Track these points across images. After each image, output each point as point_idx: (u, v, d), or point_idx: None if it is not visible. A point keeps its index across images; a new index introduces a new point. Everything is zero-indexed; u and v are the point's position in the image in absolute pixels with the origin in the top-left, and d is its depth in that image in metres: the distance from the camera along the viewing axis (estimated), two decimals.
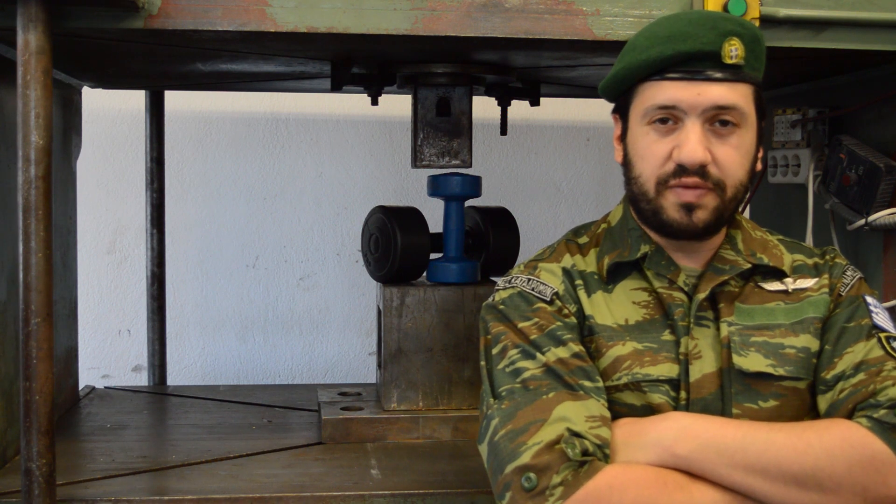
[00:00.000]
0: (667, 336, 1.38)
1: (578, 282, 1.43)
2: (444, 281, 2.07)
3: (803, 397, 1.37)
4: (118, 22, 1.51)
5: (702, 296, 1.39)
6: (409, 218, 2.10)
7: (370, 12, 1.56)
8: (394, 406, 2.04)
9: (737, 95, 1.33)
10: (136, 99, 2.81)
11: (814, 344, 1.38)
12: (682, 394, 1.36)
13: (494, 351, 1.38)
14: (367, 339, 3.09)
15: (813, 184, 2.03)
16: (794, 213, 2.20)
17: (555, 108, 3.09)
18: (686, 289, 1.40)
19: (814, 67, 1.99)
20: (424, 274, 2.11)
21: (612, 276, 1.43)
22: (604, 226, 1.51)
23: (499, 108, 2.32)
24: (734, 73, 1.33)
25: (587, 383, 1.33)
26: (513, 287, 1.42)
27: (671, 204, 1.35)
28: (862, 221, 1.90)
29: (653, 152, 1.36)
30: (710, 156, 1.33)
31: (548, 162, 3.16)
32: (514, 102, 2.32)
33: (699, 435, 1.28)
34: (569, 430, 1.27)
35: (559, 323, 1.37)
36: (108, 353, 3.02)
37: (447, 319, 2.04)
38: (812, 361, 1.38)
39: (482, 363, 1.41)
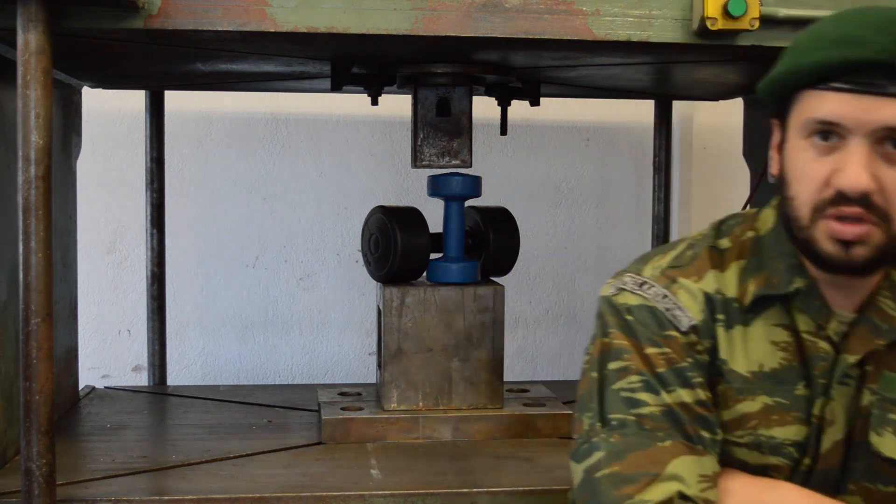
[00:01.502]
0: (801, 390, 1.23)
1: (720, 315, 1.24)
2: (444, 281, 2.07)
3: None
4: (118, 22, 1.51)
5: (852, 359, 1.22)
6: (409, 218, 2.10)
7: (370, 12, 1.56)
8: (394, 406, 2.04)
9: None
10: (136, 99, 2.80)
11: None
12: (807, 460, 1.24)
13: (612, 366, 1.24)
14: (367, 339, 3.09)
15: None
16: None
17: (555, 108, 3.09)
18: (835, 339, 1.23)
19: None
20: (424, 274, 2.11)
21: (754, 307, 1.24)
22: (751, 234, 1.30)
23: (499, 108, 2.32)
24: None
25: (707, 435, 1.21)
26: (645, 297, 1.25)
27: (825, 236, 1.16)
28: None
29: (809, 173, 1.16)
30: (875, 184, 1.12)
31: (548, 162, 3.16)
32: (514, 102, 2.32)
33: None
34: (680, 493, 1.15)
35: (690, 361, 1.22)
36: (108, 353, 3.02)
37: (447, 319, 2.04)
38: None
39: (593, 372, 1.26)
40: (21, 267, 1.43)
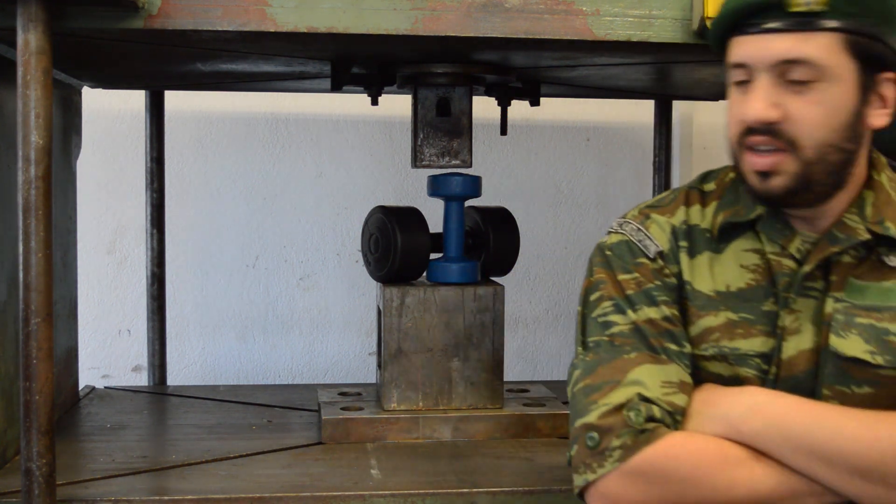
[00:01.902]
0: (768, 306, 1.33)
1: (683, 243, 1.38)
2: (444, 281, 2.07)
3: None
4: (118, 22, 1.51)
5: (808, 267, 1.31)
6: (409, 218, 2.10)
7: (370, 12, 1.56)
8: (394, 406, 2.04)
9: (809, 47, 1.20)
10: (136, 99, 2.80)
11: None
12: (773, 369, 1.32)
13: (592, 298, 1.39)
14: (367, 339, 3.09)
15: None
16: None
17: (555, 108, 3.09)
18: (798, 256, 1.32)
19: None
20: (424, 274, 2.11)
21: (724, 236, 1.36)
22: (731, 175, 1.40)
23: (499, 108, 2.32)
24: (803, 23, 1.21)
25: (672, 347, 1.33)
26: (622, 234, 1.41)
27: (748, 169, 1.28)
28: None
29: (732, 113, 1.29)
30: (777, 112, 1.22)
31: (548, 162, 3.16)
32: (514, 102, 2.32)
33: (767, 414, 1.25)
34: (640, 395, 1.27)
35: (658, 283, 1.36)
36: (108, 353, 3.02)
37: (447, 319, 2.04)
38: None
39: (579, 307, 1.42)
40: (21, 267, 1.43)
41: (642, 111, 3.03)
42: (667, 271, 1.37)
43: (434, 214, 2.17)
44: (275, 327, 3.08)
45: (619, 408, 1.27)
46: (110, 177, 2.97)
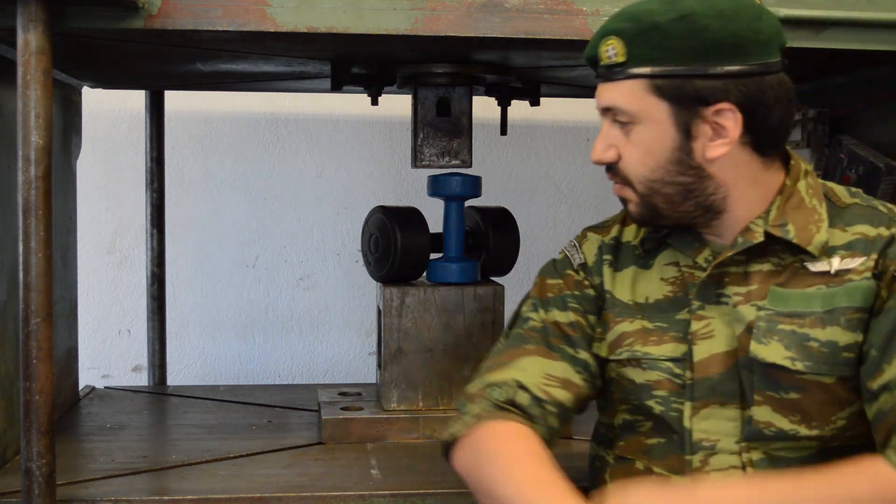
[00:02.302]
0: (682, 315, 1.38)
1: (607, 256, 1.48)
2: (444, 281, 2.07)
3: (831, 392, 1.31)
4: (118, 22, 1.51)
5: (704, 274, 1.36)
6: (409, 218, 2.10)
7: (370, 12, 1.56)
8: (394, 406, 2.04)
9: (616, 95, 1.31)
10: (136, 99, 2.81)
11: (844, 337, 1.30)
12: (688, 373, 1.36)
13: (527, 295, 1.55)
14: (367, 339, 3.09)
15: None
16: None
17: (555, 108, 3.09)
18: (705, 265, 1.37)
19: (814, 67, 1.99)
20: (424, 274, 2.11)
21: (649, 251, 1.44)
22: None
23: (499, 108, 2.32)
24: (611, 73, 1.31)
25: (567, 349, 1.44)
26: (565, 251, 1.55)
27: None
28: None
29: None
30: (612, 154, 1.34)
31: (548, 162, 3.16)
32: (514, 102, 2.32)
33: None
34: (517, 380, 1.39)
35: (575, 292, 1.48)
36: (108, 353, 3.02)
37: (447, 319, 2.04)
38: (842, 356, 1.30)
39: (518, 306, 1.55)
40: (21, 267, 1.43)
41: None
42: (587, 282, 1.48)
43: (434, 214, 2.17)
44: (275, 327, 3.08)
45: (492, 385, 1.40)
46: (110, 177, 2.97)
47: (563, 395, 1.41)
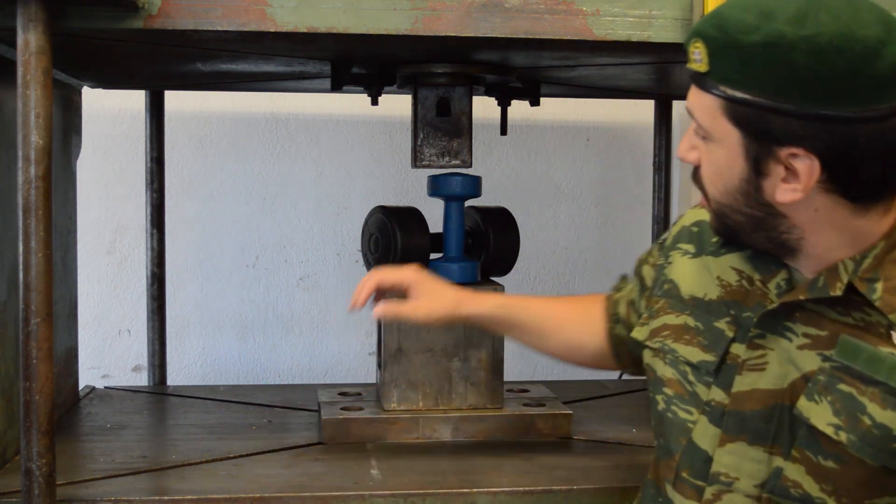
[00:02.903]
0: (721, 325, 1.29)
1: (684, 245, 1.40)
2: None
3: (873, 474, 1.16)
4: (118, 22, 1.51)
5: (771, 306, 1.23)
6: (409, 218, 2.09)
7: (370, 12, 1.56)
8: (394, 406, 2.04)
9: (696, 104, 1.18)
10: (136, 99, 2.80)
11: None
12: (722, 396, 1.27)
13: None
14: (367, 339, 3.09)
15: None
16: None
17: (555, 108, 3.09)
18: (772, 291, 1.25)
19: None
20: None
21: (725, 244, 1.32)
22: None
23: (499, 108, 2.32)
24: (695, 80, 1.17)
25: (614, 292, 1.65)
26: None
27: None
28: None
29: None
30: (694, 155, 1.22)
31: (548, 162, 3.16)
32: (514, 102, 2.32)
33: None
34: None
35: (644, 265, 1.54)
36: (108, 353, 3.02)
37: None
38: (893, 446, 1.14)
39: None
40: (21, 267, 1.43)
41: (642, 111, 3.03)
42: (651, 259, 1.51)
43: (434, 214, 2.17)
44: (275, 327, 3.08)
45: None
46: (110, 177, 2.97)
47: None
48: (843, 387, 1.16)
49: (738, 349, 1.27)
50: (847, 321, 1.18)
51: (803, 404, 1.19)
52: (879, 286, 1.16)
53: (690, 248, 1.39)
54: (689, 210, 1.47)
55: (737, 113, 1.13)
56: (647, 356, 1.42)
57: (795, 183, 1.13)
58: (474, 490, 1.68)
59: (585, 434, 2.05)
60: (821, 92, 1.07)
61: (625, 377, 2.68)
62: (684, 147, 1.24)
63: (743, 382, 1.25)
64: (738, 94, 1.12)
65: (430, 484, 1.71)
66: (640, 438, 1.99)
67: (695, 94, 1.18)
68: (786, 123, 1.10)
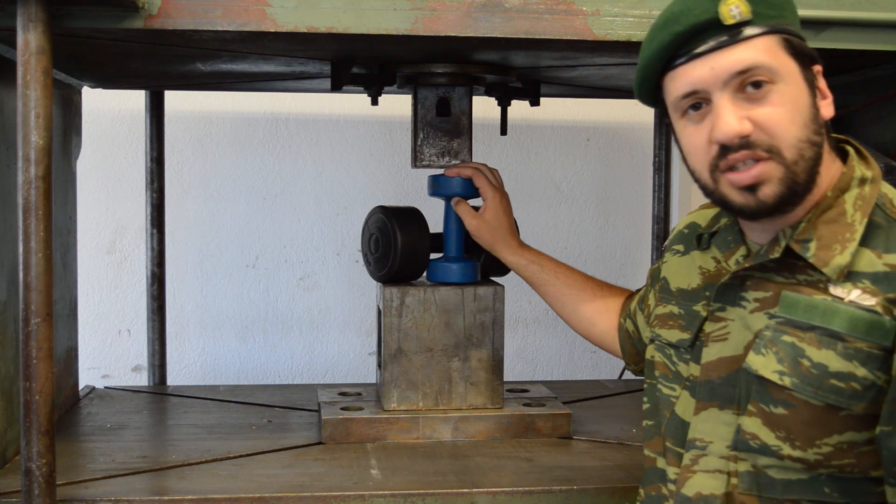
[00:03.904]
0: (698, 308, 1.40)
1: (676, 246, 1.52)
2: (445, 281, 2.07)
3: (819, 415, 1.23)
4: (118, 22, 1.51)
5: (724, 279, 1.34)
6: (409, 218, 2.09)
7: (370, 12, 1.56)
8: (394, 406, 2.04)
9: (756, 52, 1.23)
10: (136, 99, 2.81)
11: (836, 364, 1.21)
12: (682, 366, 1.40)
13: None
14: (367, 339, 3.09)
15: None
16: None
17: (555, 108, 3.09)
18: (733, 267, 1.35)
19: None
20: (424, 274, 2.11)
21: (706, 240, 1.45)
22: None
23: (499, 108, 2.32)
24: (739, 32, 1.23)
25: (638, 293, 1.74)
26: None
27: (731, 190, 1.27)
28: None
29: (694, 142, 1.29)
30: (748, 124, 1.23)
31: (548, 162, 3.16)
32: (514, 102, 2.32)
33: None
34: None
35: (653, 269, 1.64)
36: (108, 353, 3.02)
37: (447, 319, 2.04)
38: (829, 382, 1.22)
39: None
40: (21, 267, 1.43)
41: (642, 111, 3.04)
42: (656, 264, 1.60)
43: (434, 214, 2.17)
44: (275, 327, 3.08)
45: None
46: (110, 177, 2.97)
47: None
48: (786, 338, 1.26)
49: (706, 327, 1.38)
50: (791, 282, 1.29)
51: (751, 358, 1.29)
52: (812, 245, 1.26)
53: (681, 247, 1.51)
54: (686, 216, 1.58)
55: (791, 44, 1.26)
56: (648, 350, 1.52)
57: (827, 97, 1.29)
58: (474, 490, 1.68)
59: (585, 434, 2.05)
60: (797, 16, 1.30)
61: (625, 377, 2.69)
62: (735, 119, 1.23)
63: (709, 353, 1.36)
64: (783, 26, 1.26)
65: (430, 484, 1.71)
66: (640, 438, 1.98)
67: (740, 50, 1.23)
68: (807, 45, 1.28)
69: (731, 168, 1.25)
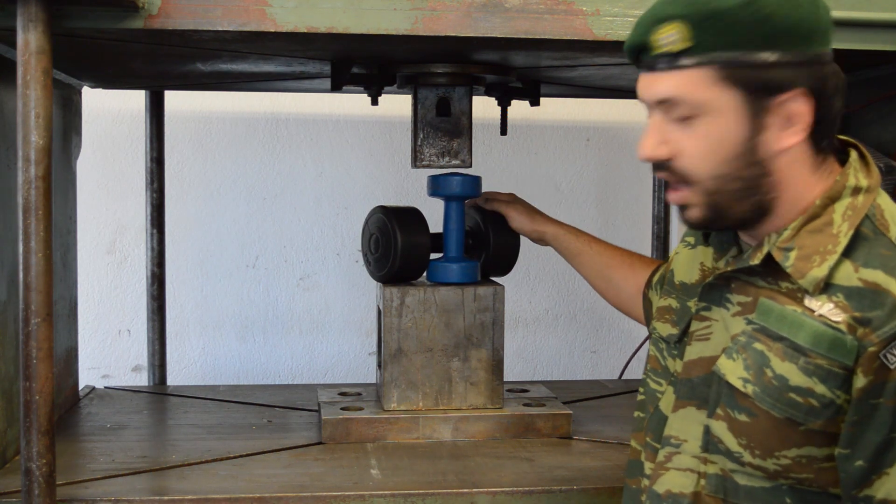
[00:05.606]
0: (691, 304, 1.40)
1: (689, 238, 1.49)
2: (445, 281, 2.07)
3: (779, 426, 1.23)
4: (118, 22, 1.51)
5: (709, 279, 1.34)
6: (409, 218, 2.09)
7: (370, 12, 1.56)
8: (394, 406, 2.04)
9: (679, 84, 1.21)
10: (136, 99, 2.81)
11: (798, 379, 1.20)
12: (670, 361, 1.41)
13: None
14: (367, 339, 3.09)
15: None
16: None
17: (555, 108, 3.09)
18: (722, 267, 1.36)
19: None
20: (424, 274, 2.11)
21: (712, 236, 1.43)
22: None
23: (499, 108, 2.32)
24: (670, 62, 1.21)
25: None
26: None
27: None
28: None
29: None
30: (665, 150, 1.24)
31: (548, 162, 3.16)
32: (514, 102, 2.32)
33: None
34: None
35: (674, 251, 1.57)
36: (108, 353, 3.02)
37: (447, 319, 2.04)
38: (788, 396, 1.21)
39: None
40: (21, 267, 1.43)
41: (642, 111, 3.02)
42: (675, 249, 1.56)
43: (434, 214, 2.17)
44: (275, 327, 3.08)
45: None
46: (110, 177, 2.97)
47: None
48: (757, 345, 1.25)
49: (692, 326, 1.38)
50: (774, 289, 1.27)
51: (722, 362, 1.29)
52: (793, 255, 1.24)
53: (692, 239, 1.49)
54: None
55: (735, 75, 1.19)
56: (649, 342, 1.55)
57: (794, 125, 1.22)
58: (474, 490, 1.68)
59: (585, 434, 2.05)
60: (798, 37, 1.19)
61: (625, 377, 2.69)
62: (651, 144, 1.25)
63: (692, 352, 1.36)
64: (734, 56, 1.19)
65: (430, 484, 1.71)
66: None
67: (666, 78, 1.22)
68: (780, 72, 1.19)
69: (666, 183, 1.30)
